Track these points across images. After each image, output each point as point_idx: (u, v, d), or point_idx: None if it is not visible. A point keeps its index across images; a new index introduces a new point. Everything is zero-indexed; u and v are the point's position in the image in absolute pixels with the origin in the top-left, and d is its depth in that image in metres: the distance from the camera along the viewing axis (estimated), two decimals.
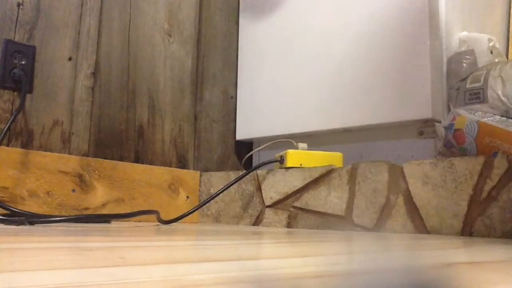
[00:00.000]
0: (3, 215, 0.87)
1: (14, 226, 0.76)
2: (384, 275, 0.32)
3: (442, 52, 1.08)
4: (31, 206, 0.98)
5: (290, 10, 1.31)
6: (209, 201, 1.13)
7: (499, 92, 0.98)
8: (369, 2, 1.15)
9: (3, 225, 0.78)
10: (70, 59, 1.11)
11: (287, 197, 1.09)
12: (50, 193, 1.01)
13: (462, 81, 1.05)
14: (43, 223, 0.83)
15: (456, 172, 0.85)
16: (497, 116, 0.98)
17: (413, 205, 0.90)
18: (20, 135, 1.02)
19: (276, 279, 0.28)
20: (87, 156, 1.11)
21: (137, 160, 1.21)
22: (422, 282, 0.28)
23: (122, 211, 1.11)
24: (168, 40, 1.30)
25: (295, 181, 1.07)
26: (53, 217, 0.89)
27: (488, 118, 0.98)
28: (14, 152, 0.98)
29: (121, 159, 1.17)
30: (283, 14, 1.33)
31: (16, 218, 0.83)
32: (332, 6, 1.22)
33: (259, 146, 1.34)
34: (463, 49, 1.08)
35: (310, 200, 1.04)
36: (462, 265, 0.39)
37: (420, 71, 1.04)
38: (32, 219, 0.83)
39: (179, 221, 1.06)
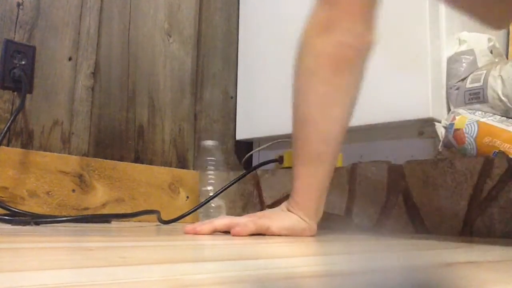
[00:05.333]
0: (7, 215, 0.87)
1: (15, 226, 0.76)
2: (384, 275, 0.32)
3: (442, 52, 1.08)
4: (31, 206, 0.98)
5: (290, 10, 1.31)
6: (209, 201, 1.13)
7: (499, 92, 0.98)
8: None
9: (8, 225, 0.78)
10: (70, 59, 1.11)
11: (287, 197, 1.08)
12: (50, 193, 1.01)
13: (462, 81, 1.05)
14: (48, 223, 0.83)
15: (456, 172, 0.85)
16: (497, 116, 0.98)
17: (413, 205, 0.90)
18: (20, 135, 1.02)
19: (276, 279, 0.28)
20: (87, 156, 1.11)
21: (137, 160, 1.21)
22: (422, 282, 0.28)
23: (122, 211, 1.11)
24: (168, 40, 1.30)
25: None
26: (58, 217, 0.89)
27: (488, 118, 0.98)
28: (14, 152, 0.98)
29: (121, 159, 1.17)
30: (283, 14, 1.33)
31: (22, 218, 0.84)
32: None
33: (259, 146, 1.34)
34: (463, 48, 1.08)
35: None
36: (462, 265, 0.39)
37: (420, 71, 1.04)
38: (38, 219, 0.83)
39: (179, 221, 1.06)
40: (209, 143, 1.21)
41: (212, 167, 1.20)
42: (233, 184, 1.15)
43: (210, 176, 1.20)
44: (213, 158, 1.20)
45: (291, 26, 1.32)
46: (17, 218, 0.85)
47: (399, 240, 0.71)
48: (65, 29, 1.10)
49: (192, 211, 1.11)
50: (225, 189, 1.14)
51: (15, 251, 0.40)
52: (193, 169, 1.31)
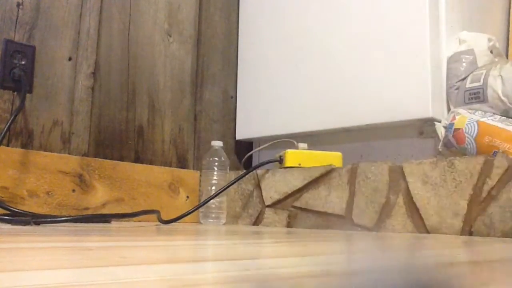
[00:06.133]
0: (7, 215, 0.87)
1: (15, 226, 0.76)
2: (384, 275, 0.32)
3: (442, 52, 1.08)
4: (31, 206, 0.98)
5: (290, 10, 1.31)
6: (209, 201, 1.13)
7: (499, 92, 0.98)
8: (369, 2, 1.15)
9: (8, 225, 0.78)
10: (70, 59, 1.11)
11: (287, 196, 1.09)
12: (50, 193, 1.01)
13: (462, 80, 1.05)
14: (48, 223, 0.84)
15: (456, 171, 0.85)
16: (497, 115, 0.98)
17: (413, 204, 0.90)
18: (20, 135, 1.02)
19: (276, 279, 0.28)
20: (87, 156, 1.11)
21: (137, 160, 1.21)
22: (422, 282, 0.28)
23: (122, 211, 1.11)
24: (168, 40, 1.30)
25: (295, 181, 1.07)
26: (58, 217, 0.90)
27: (488, 118, 0.98)
28: (14, 152, 0.98)
29: (121, 159, 1.17)
30: (283, 14, 1.33)
31: (22, 218, 0.84)
32: (332, 5, 1.22)
33: (259, 146, 1.34)
34: (463, 48, 1.08)
35: (310, 200, 1.04)
36: (462, 264, 0.39)
37: (420, 71, 1.04)
38: (38, 219, 0.83)
39: (179, 220, 1.06)
40: (218, 143, 1.21)
41: (219, 168, 1.20)
42: (233, 184, 1.15)
43: (215, 177, 1.20)
44: (221, 159, 1.20)
45: (291, 26, 1.32)
46: (17, 218, 0.85)
47: (399, 239, 0.71)
48: (65, 29, 1.10)
49: (192, 211, 1.11)
50: (225, 189, 1.14)
51: (15, 251, 0.39)
52: (193, 169, 1.31)
